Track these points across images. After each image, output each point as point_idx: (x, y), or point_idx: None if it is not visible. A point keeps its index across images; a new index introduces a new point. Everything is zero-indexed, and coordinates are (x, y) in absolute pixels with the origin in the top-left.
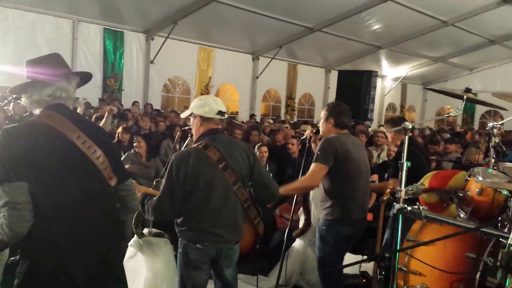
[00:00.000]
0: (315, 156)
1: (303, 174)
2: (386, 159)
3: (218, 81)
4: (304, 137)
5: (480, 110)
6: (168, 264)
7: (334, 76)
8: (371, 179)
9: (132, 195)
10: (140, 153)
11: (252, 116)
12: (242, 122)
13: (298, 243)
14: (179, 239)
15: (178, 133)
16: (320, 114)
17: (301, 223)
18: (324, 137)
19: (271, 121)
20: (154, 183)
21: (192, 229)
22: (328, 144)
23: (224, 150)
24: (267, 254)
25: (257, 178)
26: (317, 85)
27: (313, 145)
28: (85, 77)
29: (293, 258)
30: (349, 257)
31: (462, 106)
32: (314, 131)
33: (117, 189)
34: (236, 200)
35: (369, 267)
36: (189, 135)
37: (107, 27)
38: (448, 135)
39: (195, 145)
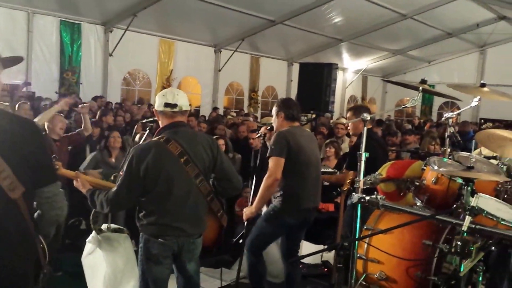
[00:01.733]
0: (269, 150)
1: (262, 169)
2: (347, 150)
3: (179, 74)
4: (259, 135)
5: (438, 101)
6: (129, 259)
7: (296, 69)
8: (332, 170)
9: (48, 204)
10: (111, 151)
11: (215, 109)
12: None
13: None
14: (140, 233)
15: (136, 127)
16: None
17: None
18: (276, 132)
19: (234, 114)
20: (112, 178)
21: (154, 223)
22: (280, 137)
23: (186, 144)
24: (230, 247)
25: (219, 170)
26: (280, 78)
27: (268, 142)
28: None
29: None
30: (310, 247)
31: (418, 97)
32: (269, 127)
33: (34, 197)
34: (198, 193)
35: (330, 256)
36: (147, 128)
37: (63, 19)
38: (409, 126)
39: (155, 138)
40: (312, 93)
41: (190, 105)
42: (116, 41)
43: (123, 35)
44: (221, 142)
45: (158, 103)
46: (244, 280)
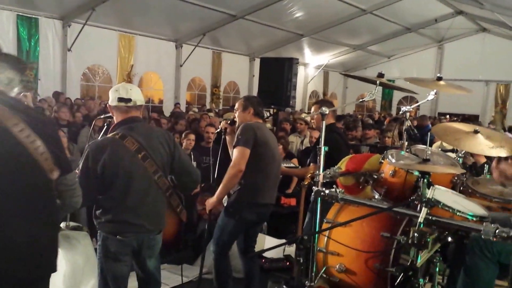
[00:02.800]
0: (236, 140)
1: (220, 165)
2: (308, 145)
3: (140, 70)
4: (219, 129)
5: (397, 96)
6: (88, 257)
7: (258, 64)
8: (292, 164)
9: (71, 191)
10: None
11: (176, 104)
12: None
13: None
14: (98, 231)
15: (95, 122)
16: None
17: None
18: (244, 123)
19: (196, 110)
20: None
21: (112, 221)
22: (248, 128)
23: (143, 140)
24: (192, 243)
25: (178, 165)
26: (242, 73)
27: (228, 137)
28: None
29: None
30: (273, 242)
31: (375, 91)
32: (229, 122)
33: (57, 183)
34: (157, 189)
35: (292, 250)
36: (105, 124)
37: (20, 14)
38: (371, 121)
39: (111, 135)
40: (273, 88)
41: (150, 100)
42: (75, 36)
43: (81, 29)
44: (192, 137)
45: (111, 98)
46: (207, 276)
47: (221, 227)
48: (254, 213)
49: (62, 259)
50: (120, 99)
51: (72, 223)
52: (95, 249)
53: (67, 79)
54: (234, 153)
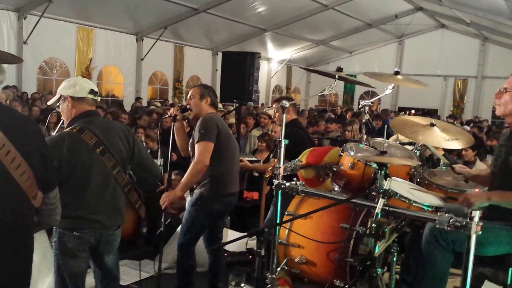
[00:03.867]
0: (198, 135)
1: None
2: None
3: (100, 63)
4: (168, 115)
5: (359, 91)
6: (45, 254)
7: (221, 58)
8: (255, 158)
9: (51, 210)
10: None
11: (137, 99)
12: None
13: None
14: (54, 227)
15: (50, 117)
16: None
17: (187, 204)
18: (204, 116)
19: (159, 104)
20: None
21: (69, 216)
22: (210, 121)
23: (101, 134)
24: (154, 238)
25: (137, 160)
26: (205, 68)
27: (177, 124)
28: None
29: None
30: (235, 235)
31: (334, 85)
32: (179, 110)
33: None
34: (116, 184)
35: (255, 244)
36: (62, 119)
37: None
38: (333, 115)
39: (68, 129)
40: (235, 82)
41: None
42: (31, 28)
43: (38, 22)
44: (140, 131)
45: (77, 89)
46: (168, 271)
47: (190, 221)
48: (222, 203)
49: None
50: (92, 91)
51: None
52: (52, 246)
53: (23, 72)
54: (198, 148)
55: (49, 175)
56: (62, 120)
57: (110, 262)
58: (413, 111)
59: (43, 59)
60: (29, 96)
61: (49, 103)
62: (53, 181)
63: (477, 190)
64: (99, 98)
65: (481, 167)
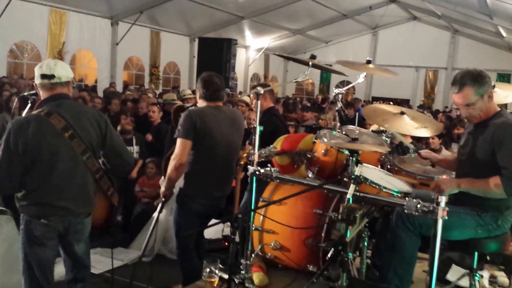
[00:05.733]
0: (176, 131)
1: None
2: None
3: (72, 47)
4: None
5: (335, 80)
6: (12, 243)
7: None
8: None
9: None
10: None
11: (111, 84)
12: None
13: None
14: (21, 214)
15: (15, 103)
16: (186, 83)
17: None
18: (186, 111)
19: (133, 89)
20: None
21: (35, 203)
22: (187, 118)
23: (71, 118)
24: (128, 226)
25: (109, 147)
26: (182, 54)
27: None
28: None
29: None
30: (211, 222)
31: (308, 72)
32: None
33: None
34: (85, 170)
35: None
36: (29, 102)
37: None
38: (308, 104)
39: (35, 112)
40: (212, 69)
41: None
42: (0, 11)
43: (8, 3)
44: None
45: (36, 75)
46: (144, 259)
47: (175, 219)
48: (201, 205)
49: None
50: (43, 76)
51: None
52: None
53: None
54: (177, 143)
55: None
56: (30, 103)
57: (80, 251)
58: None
59: (14, 43)
60: None
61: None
62: None
63: (444, 176)
64: (60, 80)
65: (447, 154)
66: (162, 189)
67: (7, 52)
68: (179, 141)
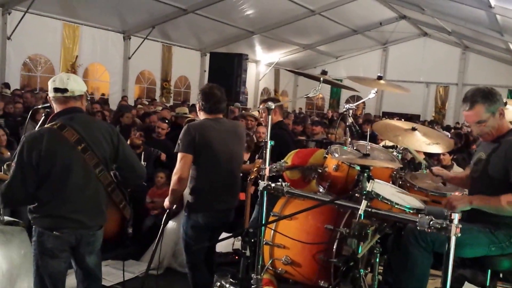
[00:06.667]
0: (176, 145)
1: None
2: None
3: (86, 61)
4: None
5: (345, 95)
6: (25, 254)
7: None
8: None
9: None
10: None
11: (123, 97)
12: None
13: (171, 224)
14: (33, 226)
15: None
16: (196, 97)
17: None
18: (186, 125)
19: (147, 103)
20: (5, 166)
21: (48, 215)
22: (186, 132)
23: (84, 131)
24: (139, 238)
25: (122, 160)
26: (193, 68)
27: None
28: None
29: (165, 240)
30: (221, 236)
31: (319, 87)
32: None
33: None
34: (98, 183)
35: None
36: (43, 114)
37: None
38: (317, 118)
39: (48, 125)
40: (222, 83)
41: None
42: (15, 24)
43: (22, 17)
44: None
45: (49, 89)
46: (152, 272)
47: (183, 233)
48: (208, 218)
49: None
50: (56, 90)
51: (7, 218)
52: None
53: (6, 68)
54: (177, 158)
55: None
56: (44, 116)
57: (92, 263)
58: (395, 119)
59: (27, 56)
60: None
61: None
62: None
63: (457, 193)
64: (73, 93)
65: (458, 171)
66: (167, 203)
67: (21, 65)
68: (179, 155)
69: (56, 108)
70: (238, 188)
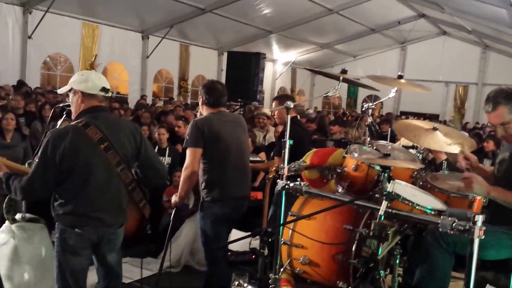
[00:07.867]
0: (185, 141)
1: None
2: (273, 139)
3: (104, 60)
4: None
5: (362, 94)
6: (45, 250)
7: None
8: (259, 158)
9: None
10: (4, 133)
11: (142, 96)
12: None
13: (188, 223)
14: (56, 223)
15: (50, 112)
16: None
17: (191, 203)
18: (192, 121)
19: (162, 101)
20: (27, 165)
21: (70, 213)
22: (194, 128)
23: (107, 130)
24: (157, 236)
25: (144, 159)
26: (211, 67)
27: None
28: None
29: (183, 239)
30: (238, 235)
31: (338, 87)
32: None
33: None
34: (119, 182)
35: (258, 244)
36: (65, 113)
37: None
38: (332, 117)
39: (74, 122)
40: (240, 82)
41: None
42: (36, 23)
43: (43, 17)
44: (162, 131)
45: (89, 86)
46: (171, 270)
47: (202, 230)
48: (224, 207)
49: (20, 252)
50: (103, 89)
51: (28, 215)
52: (53, 242)
53: (27, 67)
54: (186, 154)
55: None
56: (64, 115)
57: (113, 260)
58: (415, 118)
59: (48, 55)
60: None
61: (59, 91)
62: None
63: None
64: (110, 94)
65: None
66: (177, 199)
67: (41, 64)
68: (189, 150)
69: (80, 106)
70: (250, 176)
